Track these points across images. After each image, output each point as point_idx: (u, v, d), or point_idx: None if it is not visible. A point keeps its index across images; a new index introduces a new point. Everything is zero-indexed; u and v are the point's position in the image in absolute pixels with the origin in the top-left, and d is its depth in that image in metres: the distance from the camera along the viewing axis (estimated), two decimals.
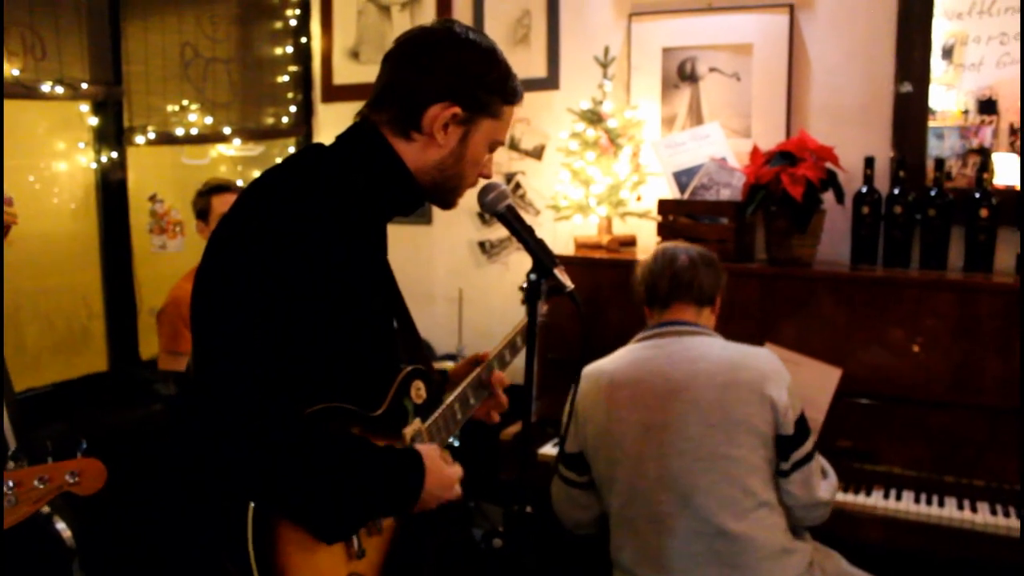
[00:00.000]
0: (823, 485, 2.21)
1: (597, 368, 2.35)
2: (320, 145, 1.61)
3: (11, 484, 1.71)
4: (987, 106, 2.91)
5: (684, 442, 2.16)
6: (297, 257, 1.38)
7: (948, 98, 2.96)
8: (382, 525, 1.56)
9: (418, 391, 1.66)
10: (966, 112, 2.94)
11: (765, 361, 2.23)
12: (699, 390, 2.18)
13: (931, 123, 2.98)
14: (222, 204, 3.10)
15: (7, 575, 2.18)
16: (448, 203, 1.67)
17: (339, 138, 1.61)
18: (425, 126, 1.55)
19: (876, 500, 2.56)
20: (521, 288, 2.15)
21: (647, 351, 2.31)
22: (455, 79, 1.54)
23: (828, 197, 2.89)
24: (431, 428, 1.68)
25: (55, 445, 1.89)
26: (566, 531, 2.47)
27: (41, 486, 1.73)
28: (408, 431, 1.61)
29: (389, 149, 1.57)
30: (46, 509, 2.24)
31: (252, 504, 1.35)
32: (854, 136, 3.06)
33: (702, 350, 2.26)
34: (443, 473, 1.56)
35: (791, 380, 2.22)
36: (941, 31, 2.94)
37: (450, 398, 1.74)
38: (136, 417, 2.57)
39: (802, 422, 2.20)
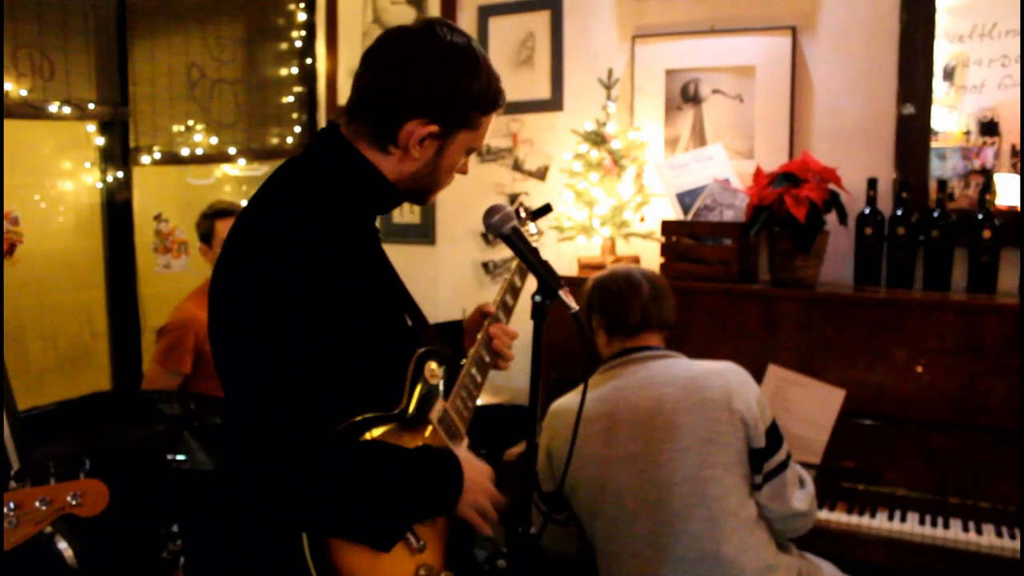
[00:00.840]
0: (798, 495, 2.19)
1: (565, 405, 2.34)
2: (293, 159, 1.60)
3: (12, 505, 1.70)
4: (989, 127, 2.92)
5: (657, 469, 2.15)
6: (295, 269, 1.39)
7: (950, 119, 2.97)
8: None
9: (432, 372, 1.65)
10: (968, 133, 2.95)
11: (730, 376, 2.22)
12: (668, 415, 2.17)
13: (933, 144, 2.99)
14: (226, 228, 3.10)
15: None
16: (422, 203, 1.72)
17: (308, 147, 1.62)
18: (401, 141, 1.54)
19: (880, 521, 2.55)
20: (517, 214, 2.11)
21: (613, 382, 2.30)
22: (433, 95, 1.51)
23: (831, 218, 2.90)
24: (454, 402, 1.68)
25: (57, 465, 1.89)
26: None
27: (43, 507, 1.72)
28: (433, 415, 1.62)
29: (361, 159, 1.56)
30: (48, 529, 2.23)
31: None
32: (857, 157, 3.07)
33: (668, 374, 2.25)
34: (479, 468, 1.60)
35: (759, 390, 2.23)
36: (943, 53, 2.96)
37: (466, 365, 1.74)
38: (139, 436, 2.57)
39: (773, 431, 2.19)
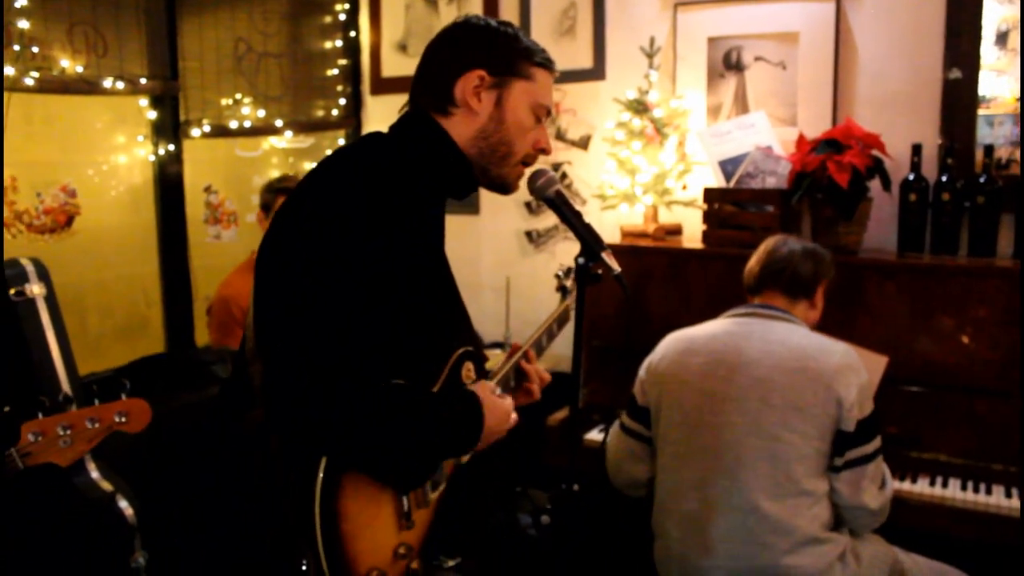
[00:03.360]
0: (873, 492, 2.20)
1: (681, 332, 2.45)
2: (378, 133, 1.67)
3: (65, 425, 1.80)
4: None
5: (740, 415, 2.21)
6: (355, 241, 1.43)
7: (1001, 85, 2.92)
8: (431, 498, 1.63)
9: (468, 372, 1.71)
10: (1020, 99, 2.90)
11: (840, 357, 2.24)
12: (767, 370, 2.23)
13: (985, 111, 2.95)
14: None
15: (75, 550, 2.28)
16: (503, 178, 1.69)
17: (392, 126, 1.68)
18: (458, 97, 1.62)
19: (922, 487, 2.56)
20: (556, 276, 2.20)
21: (730, 326, 2.38)
22: (476, 49, 1.62)
23: (875, 185, 2.89)
24: None
25: (101, 389, 1.98)
26: (612, 506, 2.52)
27: (92, 426, 1.82)
28: None
29: (437, 127, 1.63)
30: (109, 488, 2.33)
31: (320, 480, 1.42)
32: (901, 123, 3.04)
33: (782, 335, 2.30)
34: (498, 406, 1.64)
35: (866, 381, 2.23)
36: (994, 16, 2.91)
37: (494, 380, 1.79)
38: (194, 399, 2.65)
39: (867, 424, 2.20)
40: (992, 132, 2.94)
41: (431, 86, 1.65)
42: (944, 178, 2.89)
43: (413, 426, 1.47)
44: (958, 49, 2.96)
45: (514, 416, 1.69)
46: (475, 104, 1.62)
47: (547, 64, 1.67)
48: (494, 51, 1.62)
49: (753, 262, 2.49)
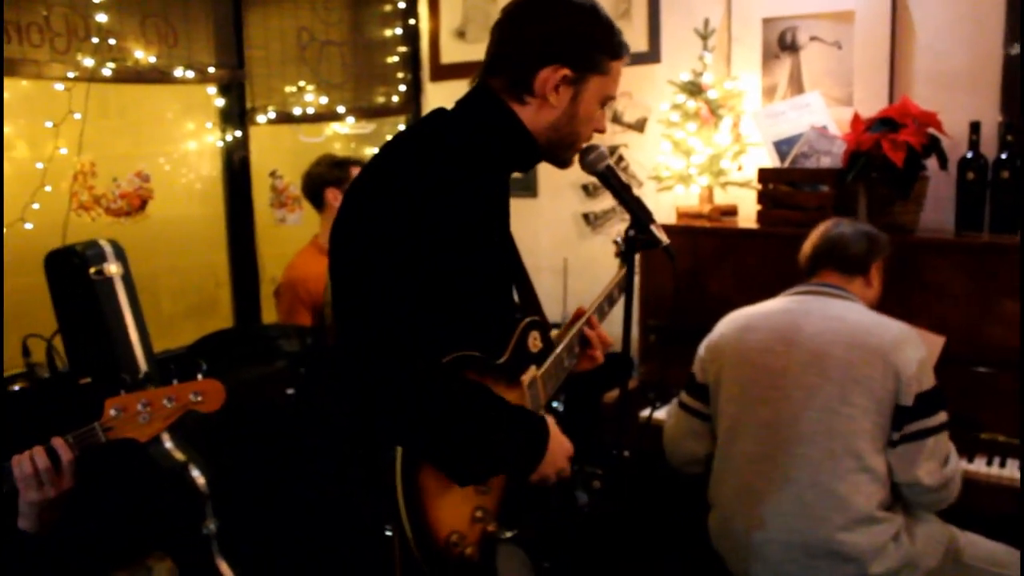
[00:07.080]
0: (929, 467, 2.18)
1: (740, 310, 2.49)
2: (443, 109, 1.69)
3: (144, 402, 1.90)
4: None
5: (799, 390, 2.23)
6: (427, 214, 1.47)
7: None
8: None
9: (535, 340, 1.76)
10: None
11: (899, 331, 2.25)
12: (825, 345, 2.24)
13: None
14: None
15: (150, 516, 2.40)
16: (564, 160, 1.73)
17: (459, 103, 1.69)
18: (537, 89, 1.61)
19: (979, 467, 2.55)
20: (615, 242, 2.23)
21: (789, 304, 2.41)
22: (562, 41, 1.60)
23: (932, 163, 2.87)
24: (544, 375, 1.78)
25: (178, 369, 2.06)
26: (666, 471, 2.56)
27: (169, 405, 1.90)
28: (525, 378, 1.72)
29: (507, 109, 1.64)
30: (182, 458, 2.45)
31: (400, 450, 1.48)
32: (960, 101, 3.01)
33: (840, 312, 2.32)
34: (561, 443, 1.67)
35: (926, 356, 2.23)
36: None
37: (559, 347, 1.83)
38: (262, 372, 2.76)
39: (927, 398, 2.19)
40: None
41: (509, 69, 1.63)
42: (1004, 156, 2.85)
43: (476, 434, 1.50)
44: (1020, 24, 2.91)
45: (567, 466, 1.70)
46: (553, 99, 1.62)
47: (622, 54, 1.67)
48: (580, 46, 1.61)
49: (807, 244, 2.51)
